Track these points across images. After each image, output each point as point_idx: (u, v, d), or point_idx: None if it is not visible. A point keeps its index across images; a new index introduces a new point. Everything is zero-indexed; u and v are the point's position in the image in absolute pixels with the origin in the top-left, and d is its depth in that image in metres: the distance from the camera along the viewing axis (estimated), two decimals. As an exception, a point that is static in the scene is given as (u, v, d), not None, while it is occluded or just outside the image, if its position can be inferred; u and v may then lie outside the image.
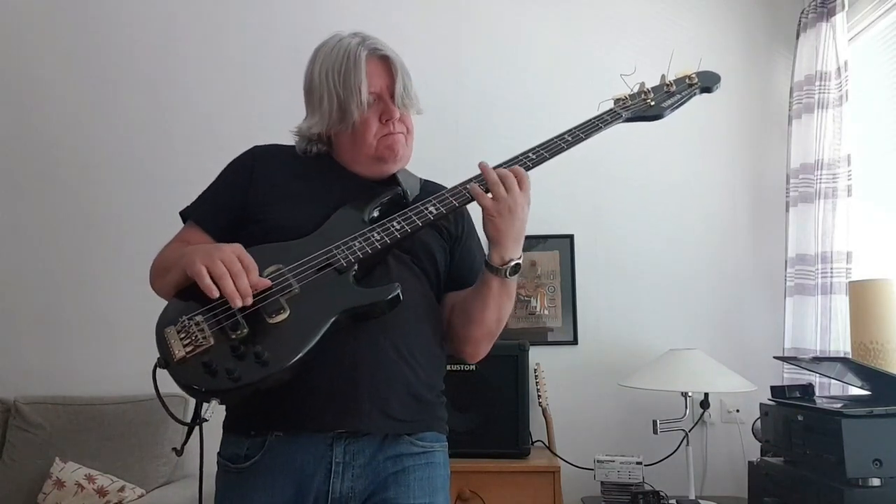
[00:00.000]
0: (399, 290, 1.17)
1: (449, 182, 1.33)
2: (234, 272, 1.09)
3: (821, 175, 2.43)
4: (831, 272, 2.35)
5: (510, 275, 1.24)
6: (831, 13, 2.44)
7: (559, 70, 2.88)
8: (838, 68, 2.40)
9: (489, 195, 1.21)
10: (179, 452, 1.17)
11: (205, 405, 1.07)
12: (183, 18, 3.01)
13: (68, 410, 2.64)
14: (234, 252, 1.12)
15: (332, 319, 1.12)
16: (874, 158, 2.43)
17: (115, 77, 2.98)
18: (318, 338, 1.10)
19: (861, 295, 2.05)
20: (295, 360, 1.07)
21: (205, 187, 1.39)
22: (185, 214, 1.36)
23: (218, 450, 1.27)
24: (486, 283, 1.26)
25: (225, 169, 1.39)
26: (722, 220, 2.82)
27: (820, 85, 2.47)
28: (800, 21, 2.63)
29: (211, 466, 1.23)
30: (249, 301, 1.10)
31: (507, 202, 1.20)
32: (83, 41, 3.01)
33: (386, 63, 1.33)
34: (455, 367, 2.41)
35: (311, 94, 1.35)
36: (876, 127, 2.43)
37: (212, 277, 1.09)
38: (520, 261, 1.25)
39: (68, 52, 3.01)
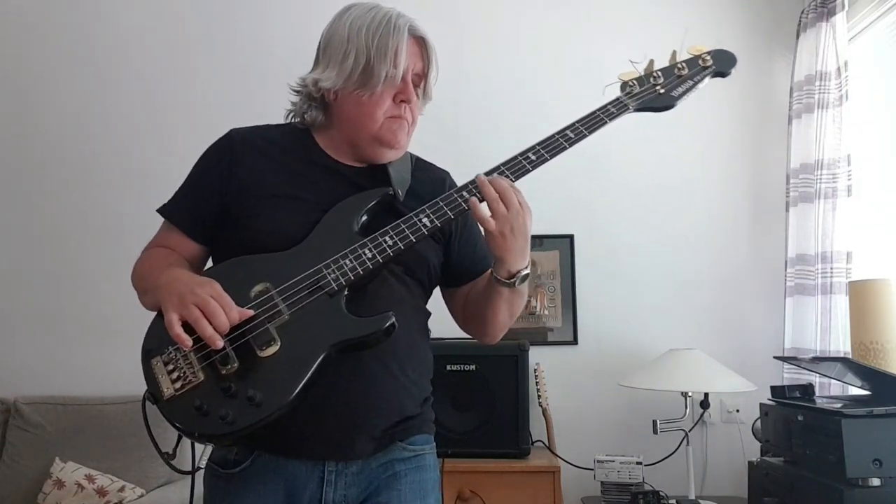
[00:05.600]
0: (393, 318, 1.11)
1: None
2: (209, 312, 1.03)
3: (821, 175, 2.43)
4: (831, 272, 2.35)
5: (519, 284, 1.20)
6: (831, 13, 2.44)
7: (559, 70, 2.88)
8: (838, 68, 2.40)
9: (490, 216, 1.14)
10: (172, 456, 1.12)
11: (199, 446, 1.07)
12: (183, 18, 3.00)
13: (68, 410, 2.63)
14: (208, 293, 1.05)
15: (323, 355, 1.08)
16: (874, 158, 2.43)
17: (116, 77, 2.98)
18: (309, 374, 1.06)
19: (861, 295, 2.06)
20: (288, 400, 1.04)
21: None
22: (164, 215, 1.30)
23: None
24: (497, 292, 1.23)
25: (200, 160, 1.29)
26: (722, 220, 2.82)
27: (820, 85, 2.47)
28: (800, 21, 2.63)
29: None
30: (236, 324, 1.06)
31: (508, 221, 1.14)
32: (83, 41, 3.00)
33: (421, 47, 1.26)
34: (455, 367, 2.41)
35: (332, 47, 1.22)
36: (876, 127, 2.43)
37: (187, 321, 1.03)
38: (527, 270, 1.20)
39: (69, 51, 3.00)
